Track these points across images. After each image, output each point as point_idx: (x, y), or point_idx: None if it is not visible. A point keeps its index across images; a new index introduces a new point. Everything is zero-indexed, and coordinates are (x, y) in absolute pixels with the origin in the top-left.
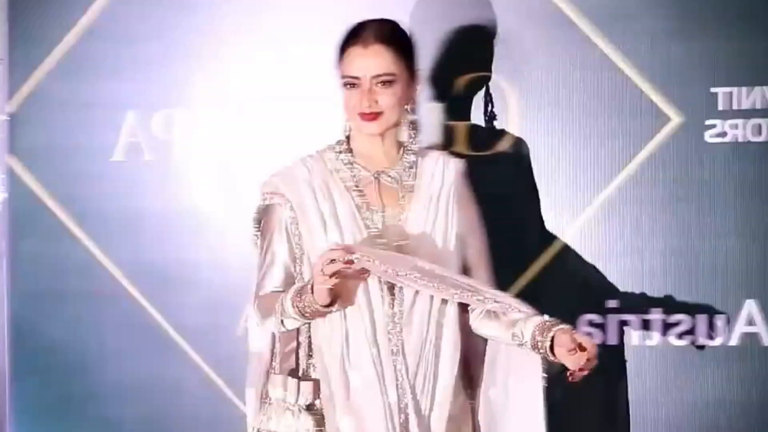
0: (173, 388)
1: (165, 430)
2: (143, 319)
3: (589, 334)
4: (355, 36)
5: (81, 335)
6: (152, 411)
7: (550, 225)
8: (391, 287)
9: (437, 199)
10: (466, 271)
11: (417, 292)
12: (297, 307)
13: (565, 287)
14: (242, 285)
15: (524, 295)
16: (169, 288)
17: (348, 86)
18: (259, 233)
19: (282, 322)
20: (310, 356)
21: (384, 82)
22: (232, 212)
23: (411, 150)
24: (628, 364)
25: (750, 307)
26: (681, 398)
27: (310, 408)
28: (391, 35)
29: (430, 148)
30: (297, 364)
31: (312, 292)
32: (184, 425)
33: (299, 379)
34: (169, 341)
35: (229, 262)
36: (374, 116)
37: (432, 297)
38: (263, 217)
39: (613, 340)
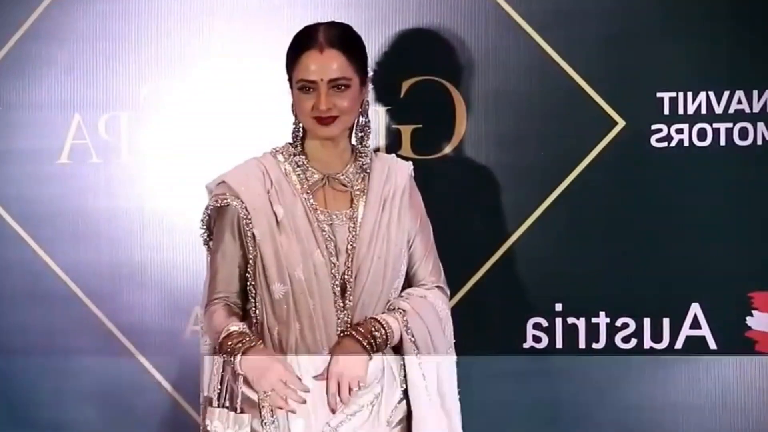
0: (123, 392)
1: None
2: (91, 321)
3: (538, 338)
4: (310, 40)
5: (29, 338)
6: (102, 415)
7: (496, 229)
8: (343, 289)
9: (390, 203)
10: (412, 268)
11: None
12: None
13: (512, 291)
14: (191, 286)
15: (471, 299)
16: (117, 290)
17: (303, 90)
18: (207, 234)
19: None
20: None
21: (340, 86)
22: (180, 213)
23: (363, 153)
24: (575, 367)
25: (695, 310)
26: (627, 401)
27: None
28: (345, 39)
29: (377, 151)
30: None
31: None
32: (134, 429)
33: (235, 410)
34: (117, 344)
35: (177, 264)
36: (331, 120)
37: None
38: (215, 218)
39: (559, 343)
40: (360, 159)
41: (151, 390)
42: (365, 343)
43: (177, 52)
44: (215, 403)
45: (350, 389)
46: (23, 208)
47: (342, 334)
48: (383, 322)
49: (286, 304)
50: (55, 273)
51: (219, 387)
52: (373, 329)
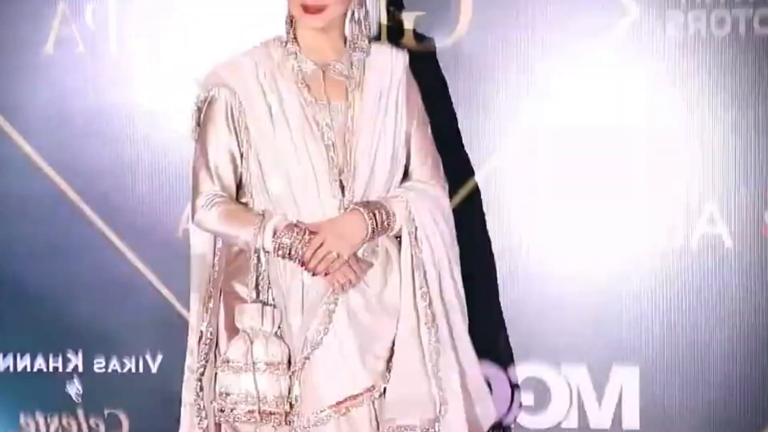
0: (113, 291)
1: (108, 331)
2: (81, 221)
3: None
4: None
5: (17, 234)
6: (93, 312)
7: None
8: (342, 183)
9: (387, 95)
10: (410, 165)
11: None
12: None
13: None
14: (182, 186)
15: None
16: (106, 188)
17: None
18: (198, 127)
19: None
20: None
21: None
22: (171, 107)
23: (360, 45)
24: None
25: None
26: None
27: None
28: None
29: (376, 39)
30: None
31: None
32: (126, 327)
33: (273, 306)
34: (108, 242)
35: (167, 162)
36: (318, 10)
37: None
38: (206, 109)
39: None
40: (356, 50)
41: (142, 288)
42: (369, 222)
43: None
44: (220, 272)
45: (329, 260)
46: (7, 100)
47: (345, 210)
48: (388, 208)
49: (285, 200)
50: (41, 169)
51: (228, 254)
52: (377, 211)
